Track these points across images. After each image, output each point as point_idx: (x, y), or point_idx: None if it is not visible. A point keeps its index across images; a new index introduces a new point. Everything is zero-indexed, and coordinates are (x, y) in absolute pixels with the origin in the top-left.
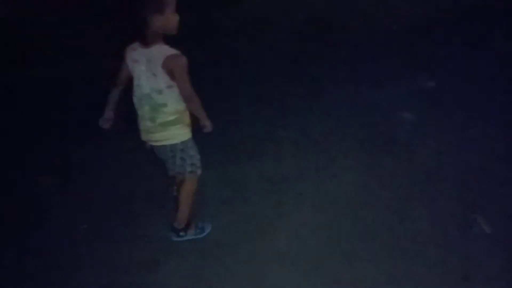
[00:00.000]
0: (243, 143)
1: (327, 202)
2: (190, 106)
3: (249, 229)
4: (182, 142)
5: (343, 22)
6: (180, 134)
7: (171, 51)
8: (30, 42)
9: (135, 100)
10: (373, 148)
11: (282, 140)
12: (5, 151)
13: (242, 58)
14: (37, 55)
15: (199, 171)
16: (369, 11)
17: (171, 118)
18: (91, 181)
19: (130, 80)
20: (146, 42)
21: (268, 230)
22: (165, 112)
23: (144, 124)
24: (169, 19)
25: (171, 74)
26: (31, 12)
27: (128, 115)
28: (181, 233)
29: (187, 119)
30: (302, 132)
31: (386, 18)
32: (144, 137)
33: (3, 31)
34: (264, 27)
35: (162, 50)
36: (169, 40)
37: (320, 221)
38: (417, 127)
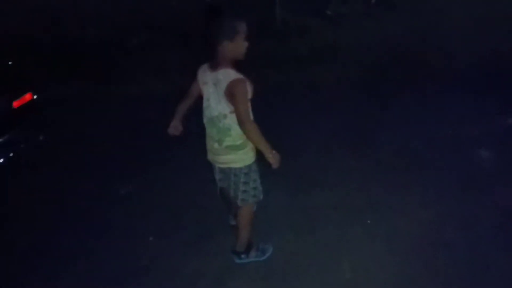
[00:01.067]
0: (313, 171)
1: (397, 237)
2: (246, 133)
3: (315, 257)
4: (246, 166)
5: (424, 58)
6: (245, 158)
7: (236, 75)
8: (114, 62)
9: (205, 120)
10: (450, 185)
11: (351, 171)
12: (86, 158)
13: (318, 86)
14: (119, 73)
15: (261, 196)
16: (450, 49)
17: (238, 142)
18: (159, 191)
19: (199, 98)
20: (215, 66)
21: (333, 258)
22: (231, 136)
23: (212, 145)
24: (238, 46)
25: (232, 98)
26: (115, 34)
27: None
28: (242, 256)
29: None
30: (373, 163)
31: (468, 56)
32: (210, 157)
33: (90, 51)
34: (344, 58)
35: (227, 75)
36: (244, 65)
37: (389, 256)
38: (496, 165)
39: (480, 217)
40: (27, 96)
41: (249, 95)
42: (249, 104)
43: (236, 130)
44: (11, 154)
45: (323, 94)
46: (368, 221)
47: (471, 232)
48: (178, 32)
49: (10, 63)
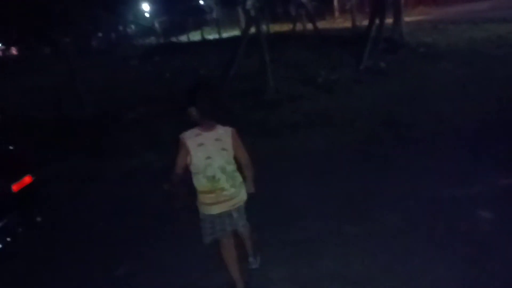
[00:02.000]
0: (311, 239)
1: None
2: (249, 168)
3: None
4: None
5: (415, 120)
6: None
7: (229, 127)
8: (111, 136)
9: (203, 181)
10: (450, 247)
11: (350, 237)
12: (83, 237)
13: (312, 151)
14: (115, 147)
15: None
16: (440, 111)
17: (241, 179)
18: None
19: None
20: (210, 127)
21: None
22: (237, 176)
23: (226, 194)
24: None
25: (236, 143)
26: (112, 109)
27: None
28: (256, 258)
29: None
30: (373, 227)
31: (457, 117)
32: (223, 208)
33: (88, 127)
34: (337, 123)
35: (225, 129)
36: (239, 133)
37: None
38: (496, 226)
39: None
40: (27, 179)
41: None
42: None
43: (235, 170)
44: (8, 239)
45: (317, 159)
46: None
47: None
48: (173, 104)
49: (11, 147)
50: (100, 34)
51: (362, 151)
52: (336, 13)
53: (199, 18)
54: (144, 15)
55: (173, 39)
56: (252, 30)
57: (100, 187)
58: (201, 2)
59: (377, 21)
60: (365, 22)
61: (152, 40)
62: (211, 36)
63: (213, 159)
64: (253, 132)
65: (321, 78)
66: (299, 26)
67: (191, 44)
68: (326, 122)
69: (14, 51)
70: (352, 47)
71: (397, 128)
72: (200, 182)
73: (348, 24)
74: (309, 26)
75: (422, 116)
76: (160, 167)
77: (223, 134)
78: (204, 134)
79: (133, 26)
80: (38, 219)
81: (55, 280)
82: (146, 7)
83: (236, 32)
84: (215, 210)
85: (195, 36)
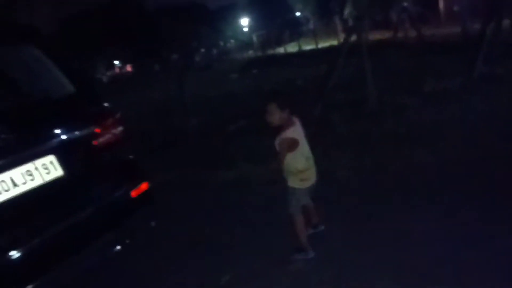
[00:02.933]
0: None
1: None
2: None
3: None
4: None
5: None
6: None
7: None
8: (215, 148)
9: (303, 159)
10: None
11: (466, 262)
12: (200, 245)
13: (419, 168)
14: (219, 158)
15: None
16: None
17: None
18: None
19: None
20: (293, 120)
21: None
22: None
23: (314, 170)
24: None
25: None
26: (216, 122)
27: None
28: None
29: None
30: (487, 252)
31: None
32: (313, 179)
33: (193, 139)
34: (445, 136)
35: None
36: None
37: None
38: None
39: None
40: (143, 186)
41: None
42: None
43: None
44: (127, 241)
45: (425, 176)
46: None
47: None
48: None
49: (131, 156)
50: (202, 50)
51: (478, 169)
52: (443, 17)
53: (296, 30)
54: (243, 30)
55: (271, 51)
56: (351, 39)
57: (205, 195)
58: (298, 14)
59: (492, 23)
60: (477, 26)
61: (250, 53)
62: (308, 47)
63: (306, 145)
64: (353, 146)
65: (428, 87)
66: (401, 33)
67: (288, 56)
68: (434, 136)
69: (129, 68)
70: (463, 54)
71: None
72: (301, 163)
73: (456, 29)
74: (412, 32)
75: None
76: (260, 177)
77: (299, 123)
78: (296, 126)
79: (232, 41)
80: (153, 223)
81: (165, 284)
82: (245, 22)
83: (333, 42)
84: (311, 182)
85: (292, 48)
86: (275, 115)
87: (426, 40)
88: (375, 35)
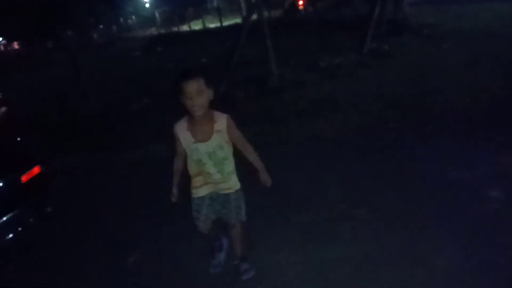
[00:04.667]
0: (320, 223)
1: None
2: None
3: None
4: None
5: (421, 102)
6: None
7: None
8: (116, 129)
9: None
10: (460, 229)
11: (361, 222)
12: (93, 226)
13: (318, 138)
14: (121, 139)
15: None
16: (446, 92)
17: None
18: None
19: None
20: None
21: None
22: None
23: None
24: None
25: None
26: (117, 102)
27: None
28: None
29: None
30: (381, 212)
31: (464, 97)
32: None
33: (93, 121)
34: (342, 109)
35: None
36: (245, 120)
37: None
38: (506, 206)
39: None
40: (35, 170)
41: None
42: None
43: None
44: (20, 229)
45: (323, 144)
46: (382, 274)
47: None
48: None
49: (18, 139)
50: (101, 27)
51: (368, 135)
52: None
53: (200, 7)
54: (144, 6)
55: (174, 29)
56: (254, 17)
57: (108, 178)
58: None
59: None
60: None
61: (153, 31)
62: (213, 24)
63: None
64: (258, 120)
65: (324, 63)
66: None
67: (192, 34)
68: (331, 107)
69: (16, 45)
70: (355, 31)
71: (403, 111)
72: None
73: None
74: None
75: (427, 98)
76: (166, 156)
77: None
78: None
79: (134, 18)
80: (49, 209)
81: (68, 269)
82: None
83: (237, 20)
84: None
85: (197, 25)
86: (204, 94)
87: (323, 18)
88: (277, 13)
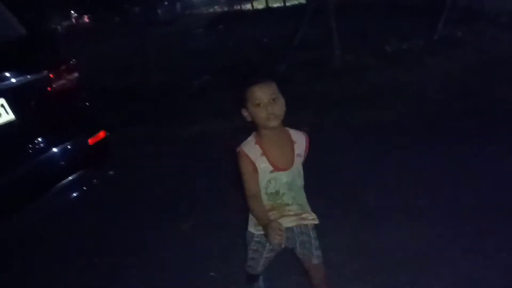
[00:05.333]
0: (377, 211)
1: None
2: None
3: None
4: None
5: (494, 97)
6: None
7: (242, 145)
8: (177, 104)
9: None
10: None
11: (415, 211)
12: (151, 194)
13: (378, 124)
14: (182, 115)
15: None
16: None
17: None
18: None
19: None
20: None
21: None
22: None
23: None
24: (252, 113)
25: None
26: (179, 78)
27: None
28: None
29: None
30: (439, 202)
31: None
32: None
33: (155, 95)
34: (405, 96)
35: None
36: (303, 104)
37: None
38: None
39: None
40: (101, 134)
41: (247, 168)
42: (248, 177)
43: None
44: (85, 188)
45: (382, 131)
46: (435, 267)
47: None
48: (237, 73)
49: (87, 103)
50: (166, 3)
51: (433, 125)
52: None
53: None
54: None
55: (237, 7)
56: None
57: (168, 150)
58: None
59: None
60: None
61: (216, 9)
62: (276, 4)
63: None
64: (315, 103)
65: (390, 47)
66: None
67: (255, 13)
68: (394, 94)
69: (86, 19)
70: (426, 16)
71: (472, 102)
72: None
73: None
74: None
75: (500, 91)
76: (225, 132)
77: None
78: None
79: None
80: (111, 172)
81: (126, 230)
82: None
83: (301, 0)
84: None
85: (260, 5)
86: (279, 102)
87: (391, 1)
88: None
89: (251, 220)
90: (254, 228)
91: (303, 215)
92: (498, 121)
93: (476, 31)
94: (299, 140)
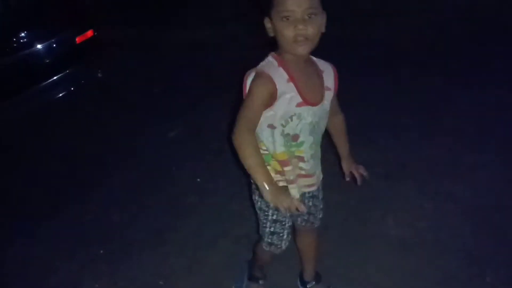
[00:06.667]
0: (367, 126)
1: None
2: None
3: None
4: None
5: (498, 17)
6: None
7: (259, 67)
8: (170, 9)
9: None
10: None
11: (407, 127)
12: (140, 96)
13: (378, 40)
14: (175, 20)
15: None
16: None
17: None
18: None
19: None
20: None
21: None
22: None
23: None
24: (275, 26)
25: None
26: None
27: None
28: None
29: None
30: (428, 122)
31: None
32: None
33: None
34: (407, 14)
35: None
36: None
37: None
38: None
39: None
40: (89, 33)
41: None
42: (256, 104)
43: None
44: (72, 88)
45: (379, 49)
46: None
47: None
48: None
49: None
50: None
51: (429, 45)
52: None
53: None
54: None
55: None
56: None
57: (158, 56)
58: None
59: None
60: None
61: None
62: None
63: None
64: None
65: None
66: None
67: None
68: (393, 11)
69: None
70: None
71: (473, 23)
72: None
73: None
74: None
75: (503, 11)
76: (218, 41)
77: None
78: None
79: None
80: (99, 74)
81: (111, 135)
82: None
83: None
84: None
85: None
86: (317, 19)
87: None
88: None
89: (262, 178)
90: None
91: (316, 175)
92: (497, 48)
93: None
94: (327, 71)
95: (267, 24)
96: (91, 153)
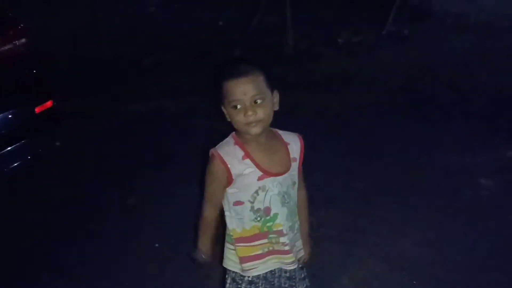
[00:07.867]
0: (325, 192)
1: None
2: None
3: None
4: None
5: (431, 90)
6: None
7: (216, 147)
8: (128, 79)
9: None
10: (451, 212)
11: (357, 191)
12: (97, 167)
13: (327, 111)
14: (132, 90)
15: None
16: (457, 83)
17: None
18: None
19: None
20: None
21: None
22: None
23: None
24: (228, 113)
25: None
26: (130, 53)
27: None
28: None
29: None
30: (378, 184)
31: (475, 91)
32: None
33: (106, 68)
34: (354, 86)
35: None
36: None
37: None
38: (496, 194)
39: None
40: (48, 103)
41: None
42: (214, 184)
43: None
44: (29, 157)
45: (332, 119)
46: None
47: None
48: (190, 53)
49: (34, 71)
50: None
51: (377, 113)
52: None
53: None
54: None
55: None
56: None
57: (116, 126)
58: None
59: None
60: None
61: None
62: None
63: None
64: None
65: (342, 39)
66: None
67: None
68: (343, 83)
69: None
70: (378, 10)
71: (413, 94)
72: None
73: None
74: None
75: (439, 86)
76: (176, 112)
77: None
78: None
79: None
80: (57, 143)
81: (69, 203)
82: None
83: None
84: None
85: None
86: (266, 102)
87: None
88: None
89: (230, 254)
90: (240, 268)
91: (289, 255)
92: (435, 115)
93: (423, 30)
94: (293, 142)
95: (224, 111)
96: (48, 223)
